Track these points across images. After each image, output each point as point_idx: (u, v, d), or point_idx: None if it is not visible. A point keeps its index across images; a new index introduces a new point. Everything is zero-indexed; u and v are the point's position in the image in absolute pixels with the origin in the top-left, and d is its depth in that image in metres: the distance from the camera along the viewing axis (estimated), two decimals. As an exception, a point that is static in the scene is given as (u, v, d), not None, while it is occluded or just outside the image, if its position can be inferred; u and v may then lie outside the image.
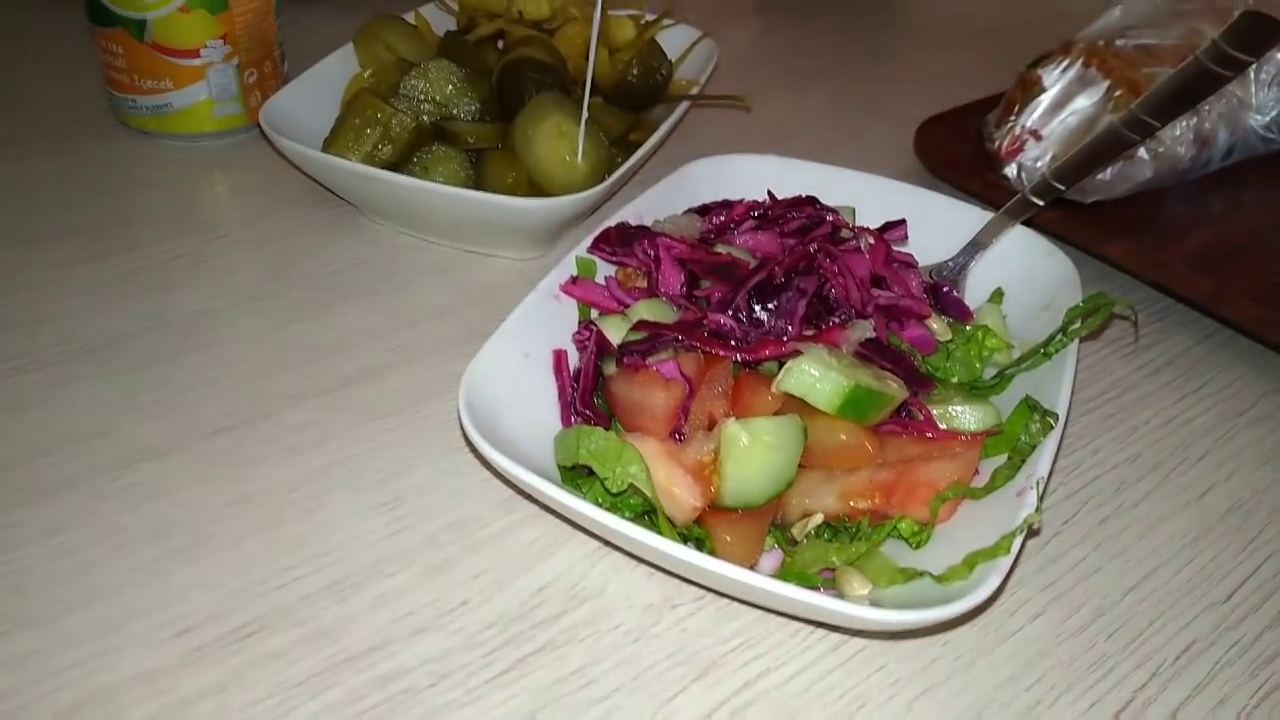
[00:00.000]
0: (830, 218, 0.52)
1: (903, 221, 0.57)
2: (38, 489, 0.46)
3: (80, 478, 0.46)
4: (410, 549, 0.44)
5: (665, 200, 0.58)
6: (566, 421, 0.47)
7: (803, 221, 0.51)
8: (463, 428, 0.42)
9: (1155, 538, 0.49)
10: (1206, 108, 0.71)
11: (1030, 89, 0.73)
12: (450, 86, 0.64)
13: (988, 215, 0.60)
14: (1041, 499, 0.41)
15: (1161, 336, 0.63)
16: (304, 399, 0.52)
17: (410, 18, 0.74)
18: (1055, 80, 0.72)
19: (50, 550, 0.43)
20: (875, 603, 0.39)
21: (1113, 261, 0.66)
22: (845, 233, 0.51)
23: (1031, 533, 0.42)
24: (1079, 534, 0.49)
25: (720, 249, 0.50)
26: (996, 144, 0.73)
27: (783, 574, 0.42)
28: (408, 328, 0.58)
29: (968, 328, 0.52)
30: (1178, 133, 0.70)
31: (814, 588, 0.41)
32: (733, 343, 0.45)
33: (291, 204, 0.67)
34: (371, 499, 0.47)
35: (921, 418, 0.46)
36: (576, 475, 0.44)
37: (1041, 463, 0.42)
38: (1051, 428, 0.43)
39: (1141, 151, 0.68)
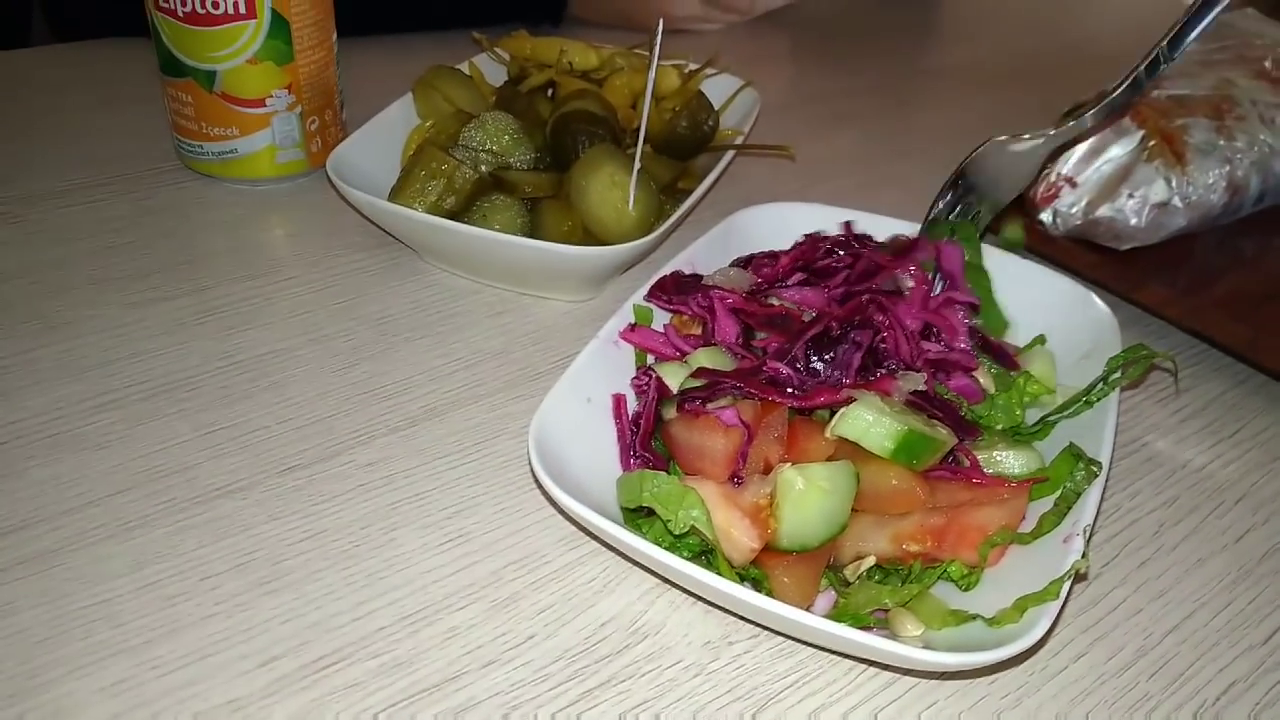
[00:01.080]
0: (869, 253, 0.54)
1: (921, 239, 0.59)
2: (123, 524, 0.48)
3: (163, 513, 0.49)
4: (478, 584, 0.47)
5: (715, 248, 0.60)
6: (625, 463, 0.49)
7: (845, 273, 0.53)
8: (533, 472, 0.44)
9: (1194, 580, 0.51)
10: (1239, 156, 0.73)
11: (1065, 137, 0.75)
12: (507, 137, 0.67)
13: (1025, 262, 0.62)
14: (1088, 545, 0.42)
15: (1197, 381, 0.64)
16: (372, 438, 0.54)
17: (464, 68, 0.77)
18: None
19: (137, 582, 0.45)
20: (928, 644, 0.41)
21: (1148, 308, 0.67)
22: (895, 280, 0.54)
23: (1079, 578, 0.44)
24: (1120, 576, 0.50)
25: (772, 301, 0.52)
26: (1032, 190, 0.75)
27: (837, 614, 0.44)
28: (467, 369, 0.60)
29: (1011, 373, 0.54)
30: (1210, 180, 0.72)
31: (868, 628, 0.43)
32: (789, 390, 0.47)
33: (351, 247, 0.70)
34: (439, 535, 0.49)
35: (969, 464, 0.48)
36: (636, 516, 0.46)
37: (1087, 510, 0.44)
38: (1095, 476, 0.45)
39: (1175, 200, 0.70)
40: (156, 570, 0.46)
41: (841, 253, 0.54)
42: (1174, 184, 0.70)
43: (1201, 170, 0.71)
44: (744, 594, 0.40)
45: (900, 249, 0.56)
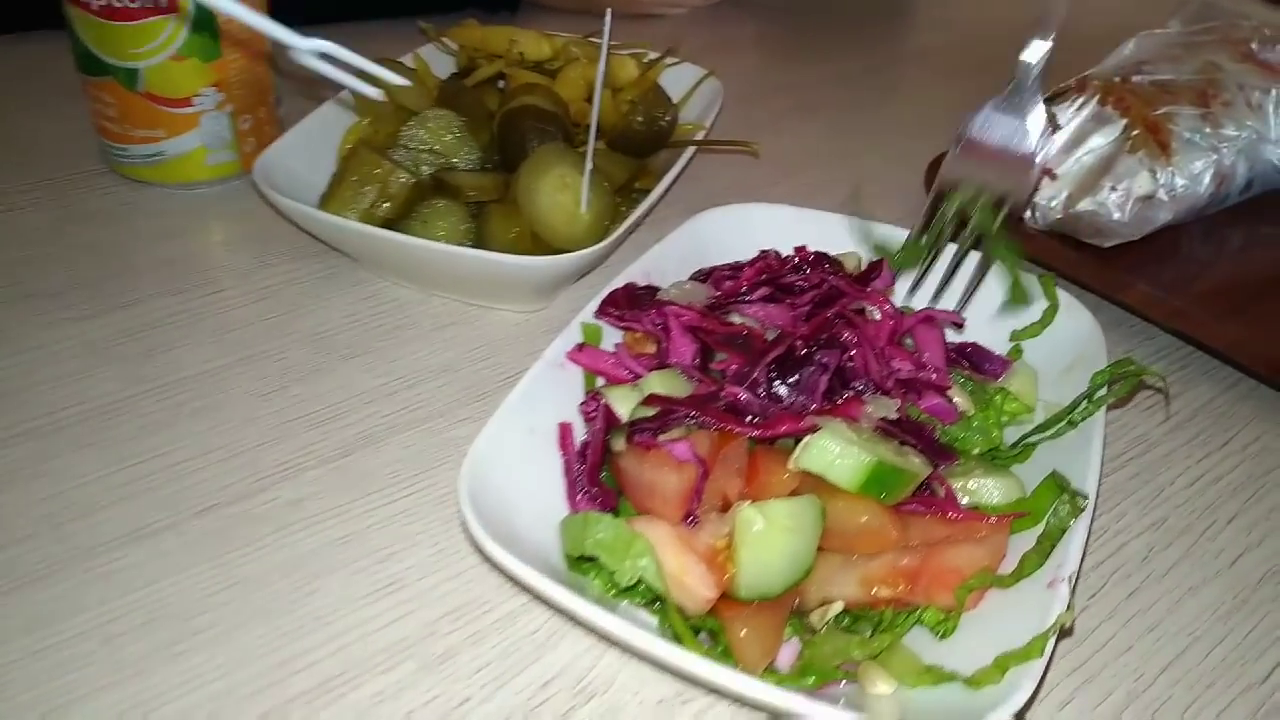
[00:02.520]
0: (833, 279, 0.50)
1: (881, 262, 0.54)
2: (22, 577, 0.44)
3: (66, 563, 0.44)
4: (410, 639, 0.42)
5: (674, 255, 0.56)
6: (572, 499, 0.45)
7: (813, 293, 0.49)
8: (464, 523, 0.39)
9: (1187, 611, 0.47)
10: (1225, 146, 0.69)
11: (1044, 127, 0.71)
12: (450, 136, 0.62)
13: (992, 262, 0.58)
14: (1073, 594, 0.39)
15: (1184, 387, 0.61)
16: (300, 470, 0.50)
17: (409, 60, 0.73)
18: (1070, 118, 0.70)
19: (31, 646, 0.41)
20: (902, 705, 0.37)
21: (1132, 309, 0.64)
22: (858, 304, 0.49)
23: (1064, 633, 0.40)
24: (1107, 609, 0.47)
25: (733, 318, 0.48)
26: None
27: (802, 667, 0.40)
28: (407, 388, 0.56)
29: (987, 390, 0.50)
30: (1197, 171, 0.68)
31: (836, 682, 0.39)
32: (749, 418, 0.43)
33: (287, 255, 0.65)
34: (369, 582, 0.45)
35: (943, 493, 0.44)
36: (583, 560, 0.42)
37: (1071, 551, 0.40)
38: (1081, 510, 0.41)
39: (1160, 193, 0.67)
40: (53, 632, 0.41)
41: (807, 269, 0.50)
42: (1159, 176, 0.67)
43: (1187, 161, 0.68)
44: (695, 664, 0.36)
45: (860, 277, 0.52)
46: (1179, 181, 0.67)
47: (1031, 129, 0.58)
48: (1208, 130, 0.69)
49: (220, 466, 0.50)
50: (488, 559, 0.43)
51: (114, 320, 0.59)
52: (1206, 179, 0.69)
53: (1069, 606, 0.37)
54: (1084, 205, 0.67)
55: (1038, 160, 0.58)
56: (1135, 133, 0.68)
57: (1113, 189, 0.66)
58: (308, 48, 0.47)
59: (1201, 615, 0.47)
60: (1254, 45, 0.77)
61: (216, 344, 0.58)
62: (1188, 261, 0.69)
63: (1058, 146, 0.69)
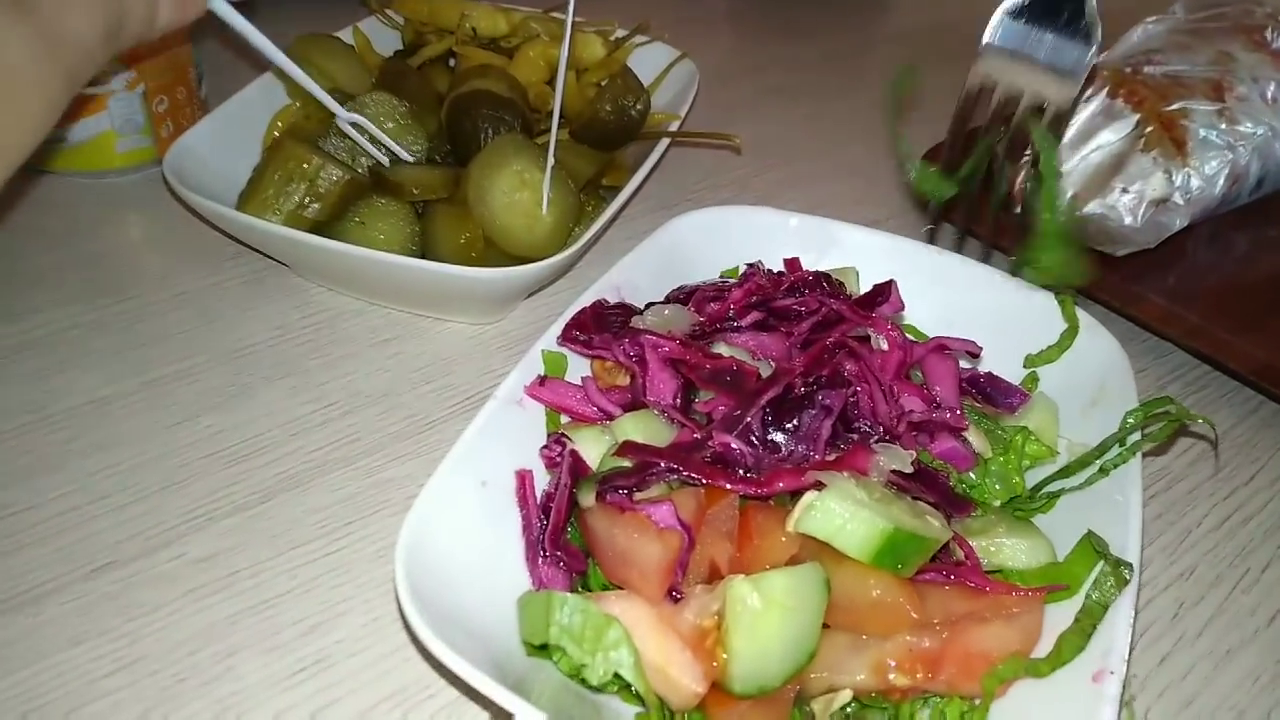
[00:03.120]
0: (834, 303, 0.44)
1: (890, 284, 0.48)
2: None
3: (-72, 638, 0.37)
4: (338, 733, 0.36)
5: (648, 265, 0.49)
6: (532, 561, 0.38)
7: (812, 320, 0.42)
8: (401, 608, 0.33)
9: (1224, 680, 0.42)
10: (1241, 144, 0.64)
11: (1048, 120, 0.65)
12: (392, 123, 0.55)
13: (1007, 277, 0.52)
14: (1127, 696, 0.33)
15: (1205, 412, 0.56)
16: (211, 520, 0.43)
17: (348, 35, 0.65)
18: (1077, 111, 0.64)
19: (-121, 747, 0.34)
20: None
21: (1146, 325, 0.58)
22: (858, 330, 0.43)
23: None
24: (1139, 680, 0.41)
25: (720, 348, 0.42)
26: (1010, 178, 0.65)
27: (804, 770, 0.34)
28: (341, 417, 0.49)
29: (1004, 429, 0.44)
30: (1212, 171, 0.63)
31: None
32: (740, 472, 0.37)
33: (209, 256, 0.58)
34: (291, 660, 0.38)
35: (964, 555, 0.38)
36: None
37: (1119, 635, 0.34)
38: (1126, 583, 0.35)
39: (1176, 196, 0.61)
40: (-96, 731, 0.35)
41: (804, 291, 0.43)
42: (1175, 178, 0.61)
43: (1203, 160, 0.62)
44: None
45: (864, 300, 0.46)
46: (1195, 183, 0.62)
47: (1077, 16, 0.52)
48: (1224, 126, 0.64)
49: (118, 515, 0.43)
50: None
51: (4, 335, 0.51)
52: (1221, 179, 0.64)
53: (1126, 708, 0.32)
54: (1092, 208, 0.61)
55: (1088, 58, 0.52)
56: (1149, 129, 0.62)
57: (1124, 190, 0.61)
58: (346, 117, 0.53)
59: (1241, 685, 0.42)
60: (1268, 33, 0.71)
61: (120, 364, 0.50)
62: (1198, 268, 0.64)
63: (1064, 142, 0.64)
